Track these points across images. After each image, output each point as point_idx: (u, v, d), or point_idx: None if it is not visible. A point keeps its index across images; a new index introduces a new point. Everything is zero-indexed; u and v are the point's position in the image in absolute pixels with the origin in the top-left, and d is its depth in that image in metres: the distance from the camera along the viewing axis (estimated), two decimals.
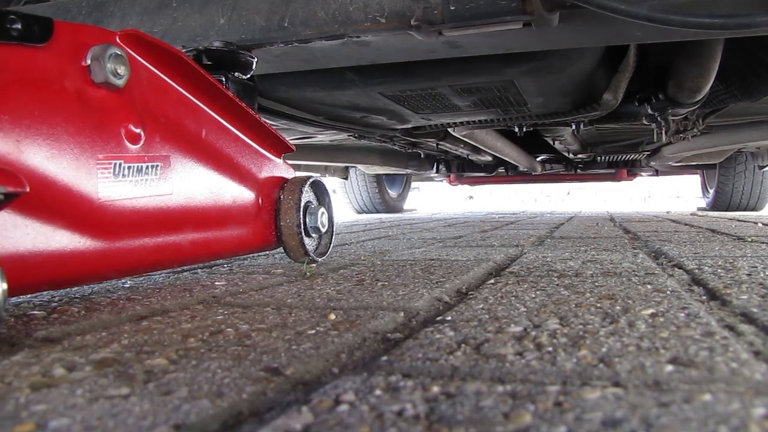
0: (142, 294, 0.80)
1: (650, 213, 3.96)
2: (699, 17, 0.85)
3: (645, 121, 2.06)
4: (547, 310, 0.63)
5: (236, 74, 1.05)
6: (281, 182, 1.08)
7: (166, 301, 0.74)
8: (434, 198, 9.67)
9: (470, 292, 0.77)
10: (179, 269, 1.08)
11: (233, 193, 0.95)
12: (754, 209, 4.27)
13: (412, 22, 0.93)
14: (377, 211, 4.82)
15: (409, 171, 4.16)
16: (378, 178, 4.71)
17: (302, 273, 0.99)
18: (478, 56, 1.18)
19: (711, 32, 1.10)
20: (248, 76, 1.09)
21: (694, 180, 5.83)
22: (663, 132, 2.11)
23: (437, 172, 4.28)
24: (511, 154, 3.31)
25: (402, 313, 0.64)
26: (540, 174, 4.51)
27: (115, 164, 0.72)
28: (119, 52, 0.72)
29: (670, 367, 0.42)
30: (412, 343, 0.50)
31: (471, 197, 10.43)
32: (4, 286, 0.53)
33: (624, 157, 4.36)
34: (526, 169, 4.13)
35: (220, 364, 0.45)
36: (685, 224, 2.29)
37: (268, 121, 1.21)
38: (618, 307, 0.63)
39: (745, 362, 0.42)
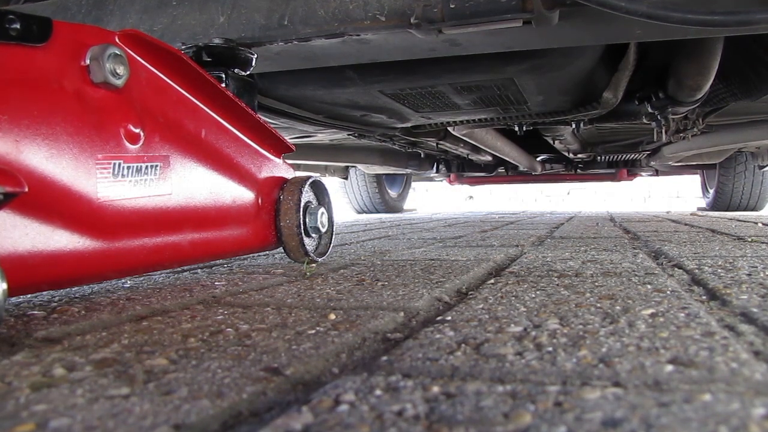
0: (142, 294, 0.80)
1: (650, 213, 3.96)
2: (698, 14, 0.84)
3: (645, 120, 2.05)
4: (547, 310, 0.63)
5: (236, 71, 1.05)
6: (281, 182, 1.08)
7: (166, 301, 0.74)
8: (434, 198, 9.66)
9: (470, 292, 0.77)
10: (179, 269, 1.08)
11: (233, 193, 0.95)
12: (754, 209, 4.27)
13: (411, 20, 0.93)
14: (377, 211, 4.81)
15: (409, 171, 4.16)
16: (378, 178, 4.71)
17: (302, 273, 0.99)
18: (477, 54, 1.18)
19: (711, 30, 1.10)
20: (248, 72, 1.09)
21: (694, 180, 5.82)
22: (663, 131, 2.11)
23: (437, 171, 4.27)
24: (511, 153, 3.31)
25: (402, 313, 0.64)
26: (540, 174, 4.51)
27: (115, 164, 0.72)
28: (118, 52, 0.72)
29: (670, 367, 0.41)
30: (412, 343, 0.50)
31: (471, 197, 10.42)
32: (4, 286, 0.53)
33: (624, 156, 4.36)
34: (526, 169, 4.13)
35: (220, 364, 0.45)
36: (685, 224, 2.29)
37: (268, 119, 1.21)
38: (618, 307, 0.63)
39: (745, 362, 0.42)
